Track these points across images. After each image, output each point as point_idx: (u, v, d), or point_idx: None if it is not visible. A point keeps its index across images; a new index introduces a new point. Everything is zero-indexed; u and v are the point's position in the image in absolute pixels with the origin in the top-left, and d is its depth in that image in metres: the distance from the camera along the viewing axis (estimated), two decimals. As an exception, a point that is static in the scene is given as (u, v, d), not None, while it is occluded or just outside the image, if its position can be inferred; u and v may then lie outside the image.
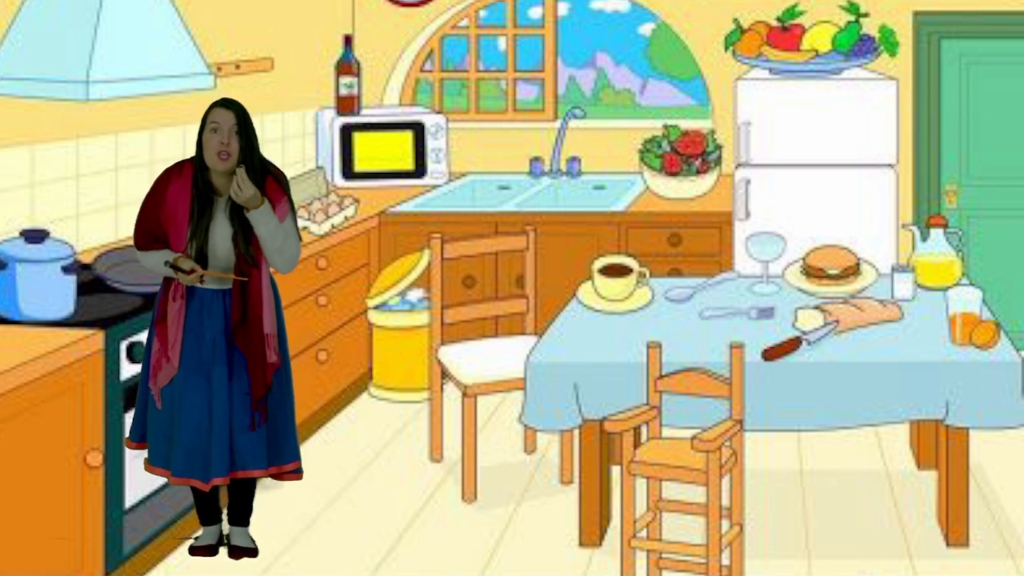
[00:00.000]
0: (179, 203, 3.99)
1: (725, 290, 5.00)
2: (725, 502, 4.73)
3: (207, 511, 4.23)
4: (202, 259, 3.97)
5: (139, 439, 4.00)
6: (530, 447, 5.23)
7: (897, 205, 5.84)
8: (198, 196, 3.99)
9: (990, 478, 4.94)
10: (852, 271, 4.91)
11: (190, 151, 5.59)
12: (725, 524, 4.44)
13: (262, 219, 3.95)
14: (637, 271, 4.75)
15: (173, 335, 3.95)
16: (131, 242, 5.12)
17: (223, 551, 4.28)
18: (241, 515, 4.24)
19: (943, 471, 4.35)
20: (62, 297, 3.91)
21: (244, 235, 4.00)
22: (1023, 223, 6.68)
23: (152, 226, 4.00)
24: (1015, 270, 6.69)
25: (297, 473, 4.16)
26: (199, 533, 4.38)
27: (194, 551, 4.22)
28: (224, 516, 4.58)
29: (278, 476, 4.14)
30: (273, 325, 4.05)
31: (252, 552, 4.23)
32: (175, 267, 3.89)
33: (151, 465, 3.98)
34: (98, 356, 3.82)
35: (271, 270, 4.82)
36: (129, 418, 4.00)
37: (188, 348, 3.98)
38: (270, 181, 4.06)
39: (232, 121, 3.98)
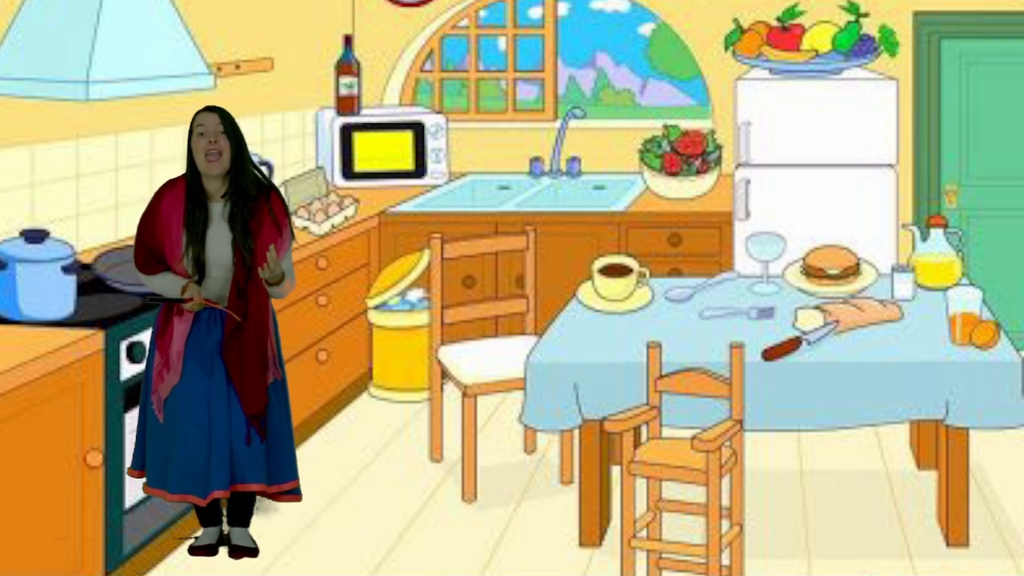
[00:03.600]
0: (173, 215, 3.99)
1: (725, 290, 5.00)
2: (725, 502, 4.72)
3: (207, 513, 4.23)
4: (200, 268, 3.97)
5: (140, 467, 3.99)
6: (530, 447, 5.23)
7: (897, 205, 5.84)
8: (191, 203, 3.99)
9: (990, 478, 4.94)
10: (852, 271, 4.91)
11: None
12: (725, 524, 4.44)
13: (279, 289, 4.07)
14: (637, 271, 4.75)
15: (176, 347, 3.95)
16: (131, 242, 5.11)
17: (223, 551, 4.28)
18: (241, 516, 4.24)
19: (943, 471, 4.35)
20: (62, 297, 3.90)
21: (244, 239, 4.00)
22: (1023, 223, 6.68)
23: (150, 242, 4.00)
24: (1015, 270, 6.69)
25: (295, 494, 4.13)
26: (199, 533, 4.38)
27: (194, 551, 4.22)
28: (224, 516, 4.58)
29: (275, 497, 4.11)
30: (273, 343, 4.07)
31: (252, 552, 4.23)
32: (181, 299, 3.93)
33: (149, 487, 3.97)
34: (98, 356, 3.82)
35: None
36: (129, 418, 4.00)
37: (188, 361, 3.97)
38: (275, 201, 4.08)
39: (217, 121, 3.99)
